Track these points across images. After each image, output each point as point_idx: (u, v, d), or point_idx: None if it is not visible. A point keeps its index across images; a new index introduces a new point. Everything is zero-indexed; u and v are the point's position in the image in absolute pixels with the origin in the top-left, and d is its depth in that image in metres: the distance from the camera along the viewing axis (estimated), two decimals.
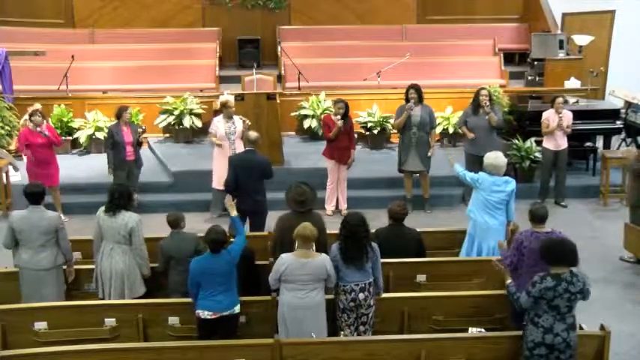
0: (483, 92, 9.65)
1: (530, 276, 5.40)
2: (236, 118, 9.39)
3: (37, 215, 6.40)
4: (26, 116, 10.73)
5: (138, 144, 9.53)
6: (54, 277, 6.46)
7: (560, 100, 9.89)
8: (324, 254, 5.87)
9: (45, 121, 9.45)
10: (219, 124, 9.33)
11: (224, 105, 9.47)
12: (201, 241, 6.34)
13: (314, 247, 5.84)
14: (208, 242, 5.80)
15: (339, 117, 9.36)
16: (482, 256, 7.11)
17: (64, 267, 6.57)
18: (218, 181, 9.30)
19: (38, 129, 9.18)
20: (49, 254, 6.39)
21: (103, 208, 6.51)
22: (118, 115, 9.46)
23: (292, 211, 6.50)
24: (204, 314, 5.80)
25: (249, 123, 9.47)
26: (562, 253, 5.27)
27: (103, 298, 6.44)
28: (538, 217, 5.98)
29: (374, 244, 5.98)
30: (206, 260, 5.80)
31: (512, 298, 5.53)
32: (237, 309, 5.89)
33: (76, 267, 6.83)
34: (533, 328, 5.30)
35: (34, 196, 6.44)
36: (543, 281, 5.22)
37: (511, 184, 7.22)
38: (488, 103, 9.59)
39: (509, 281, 5.73)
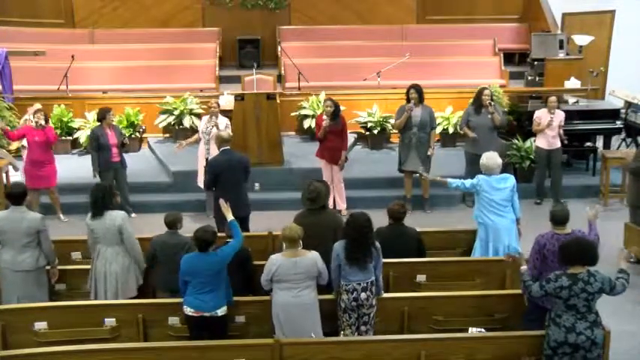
0: (486, 92, 9.66)
1: None
2: (221, 119, 9.39)
3: (18, 216, 6.36)
4: (26, 116, 10.74)
5: (122, 145, 9.52)
6: (35, 279, 6.42)
7: (553, 99, 9.89)
8: (314, 251, 5.88)
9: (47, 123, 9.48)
10: (201, 123, 9.46)
11: (206, 104, 9.54)
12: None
13: (301, 245, 5.86)
14: (194, 240, 5.81)
15: (325, 116, 9.35)
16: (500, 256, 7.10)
17: (48, 268, 6.53)
18: (201, 179, 9.33)
19: (39, 122, 9.20)
20: (31, 255, 6.36)
21: (89, 214, 6.46)
22: (101, 118, 9.41)
23: (307, 209, 6.51)
24: (187, 310, 5.82)
25: (221, 126, 9.30)
26: (577, 252, 5.25)
27: (95, 299, 6.42)
28: (558, 219, 5.92)
29: (377, 243, 6.00)
30: (193, 258, 5.82)
31: (524, 284, 5.51)
32: (220, 312, 5.84)
33: (75, 267, 6.85)
34: (556, 329, 5.30)
35: (15, 196, 6.42)
36: (558, 280, 5.22)
37: (510, 179, 7.25)
38: (492, 103, 9.61)
39: (524, 267, 5.68)
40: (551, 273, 5.47)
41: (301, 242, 5.85)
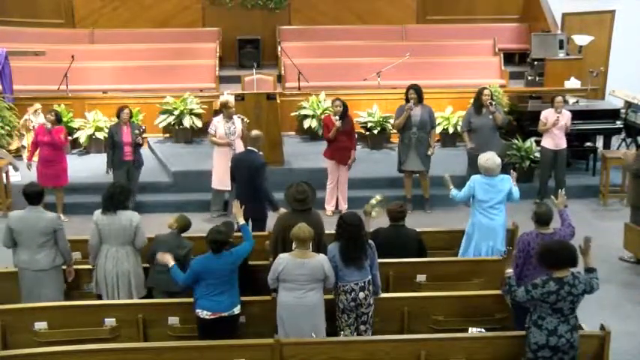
0: (486, 92, 9.65)
1: (537, 277, 5.37)
2: (236, 117, 9.42)
3: (34, 215, 6.37)
4: (26, 116, 10.76)
5: (137, 144, 9.51)
6: (52, 278, 6.43)
7: (559, 99, 9.88)
8: (322, 254, 5.87)
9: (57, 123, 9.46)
10: (218, 125, 9.38)
11: (224, 105, 9.51)
12: (191, 249, 6.36)
13: (311, 247, 5.85)
14: (208, 242, 5.80)
15: (337, 117, 9.36)
16: (482, 256, 7.11)
17: (64, 267, 6.55)
18: (218, 181, 9.35)
19: (49, 126, 9.23)
20: (47, 255, 6.36)
21: (99, 211, 6.46)
22: (117, 115, 9.50)
23: (292, 209, 6.49)
24: (203, 314, 5.80)
25: (248, 121, 9.50)
26: (561, 256, 5.22)
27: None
28: (543, 220, 5.95)
29: (370, 242, 6.01)
30: (207, 260, 5.80)
31: (509, 289, 5.47)
32: (236, 310, 5.88)
33: (75, 267, 6.82)
34: (537, 331, 5.27)
35: (32, 196, 6.40)
36: (545, 285, 5.18)
37: (507, 182, 7.21)
38: (493, 102, 9.61)
39: (509, 271, 5.68)
40: (533, 274, 5.48)
41: (311, 244, 5.82)
